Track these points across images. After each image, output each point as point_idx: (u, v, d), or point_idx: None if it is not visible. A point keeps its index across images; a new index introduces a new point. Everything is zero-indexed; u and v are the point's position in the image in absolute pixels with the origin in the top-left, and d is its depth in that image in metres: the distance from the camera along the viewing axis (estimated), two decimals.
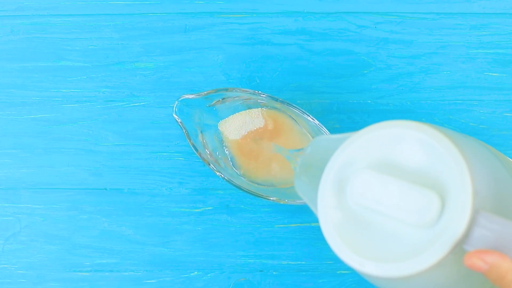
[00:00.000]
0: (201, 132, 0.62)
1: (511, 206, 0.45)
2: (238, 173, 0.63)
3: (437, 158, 0.42)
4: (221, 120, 0.63)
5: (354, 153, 0.45)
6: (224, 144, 0.63)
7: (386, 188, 0.42)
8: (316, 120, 0.62)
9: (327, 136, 0.52)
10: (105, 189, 0.67)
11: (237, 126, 0.63)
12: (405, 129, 0.44)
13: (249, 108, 0.63)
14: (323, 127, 0.62)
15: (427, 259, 0.40)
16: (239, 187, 0.61)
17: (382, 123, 0.45)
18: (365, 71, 0.67)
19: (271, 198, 0.61)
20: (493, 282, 0.40)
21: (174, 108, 0.60)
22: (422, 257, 0.41)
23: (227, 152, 0.63)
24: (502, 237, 0.40)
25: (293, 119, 0.63)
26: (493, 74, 0.66)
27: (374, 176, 0.43)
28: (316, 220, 0.66)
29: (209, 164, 0.61)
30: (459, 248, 0.41)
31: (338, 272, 0.65)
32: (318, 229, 0.66)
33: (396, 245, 0.42)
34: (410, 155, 0.43)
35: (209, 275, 0.66)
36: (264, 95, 0.62)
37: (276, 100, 0.62)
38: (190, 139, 0.61)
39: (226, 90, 0.61)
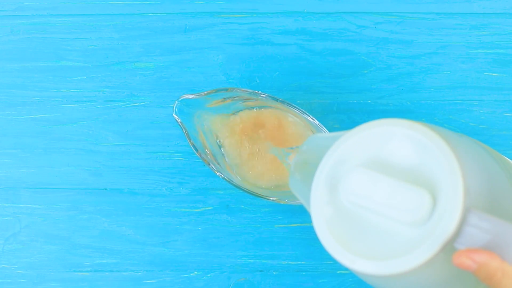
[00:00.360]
0: (202, 132, 0.62)
1: (505, 205, 0.45)
2: (237, 176, 0.63)
3: (429, 156, 0.42)
4: (220, 121, 0.63)
5: (347, 151, 0.45)
6: (222, 148, 0.63)
7: (378, 186, 0.42)
8: (316, 120, 0.62)
9: (322, 134, 0.52)
10: (105, 189, 0.67)
11: (236, 128, 0.63)
12: (398, 127, 0.44)
13: (249, 108, 0.63)
14: (323, 127, 0.62)
15: (417, 258, 0.40)
16: (239, 187, 0.61)
17: (375, 121, 0.45)
18: (365, 71, 0.67)
19: (271, 198, 0.61)
20: (482, 281, 0.40)
21: (174, 108, 0.60)
22: (412, 255, 0.41)
23: (223, 151, 0.63)
24: (493, 236, 0.39)
25: (296, 118, 0.63)
26: (493, 74, 0.66)
27: (367, 174, 0.43)
28: None
29: (209, 164, 0.61)
30: (450, 247, 0.41)
31: (338, 272, 0.65)
32: None
33: (388, 243, 0.42)
34: (402, 153, 0.43)
35: (209, 275, 0.66)
36: (264, 95, 0.62)
37: (276, 100, 0.62)
38: (190, 139, 0.61)
39: (226, 90, 0.61)
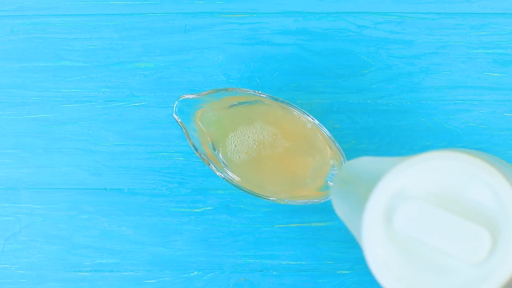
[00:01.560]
0: (201, 131, 0.62)
1: None
2: (237, 175, 0.62)
3: (491, 195, 0.41)
4: (219, 119, 0.63)
5: (404, 182, 0.44)
6: (221, 147, 0.63)
7: (436, 220, 0.41)
8: (316, 120, 0.62)
9: (368, 158, 0.51)
10: (105, 189, 0.67)
11: (234, 126, 0.63)
12: (460, 162, 0.42)
13: (250, 103, 0.63)
14: (323, 127, 0.62)
15: None
16: (239, 187, 0.61)
17: (436, 152, 0.43)
18: (365, 71, 0.67)
19: (271, 198, 0.61)
20: None
21: (174, 108, 0.60)
22: None
23: (222, 150, 0.63)
24: None
25: (296, 115, 0.62)
26: (493, 74, 0.66)
27: (425, 208, 0.42)
28: (317, 220, 0.66)
29: (209, 164, 0.61)
30: None
31: (338, 272, 0.65)
32: (319, 229, 0.66)
33: (446, 281, 0.41)
34: (463, 189, 0.42)
35: (209, 275, 0.66)
36: (264, 95, 0.62)
37: (276, 100, 0.62)
38: (190, 139, 0.61)
39: (226, 90, 0.61)
